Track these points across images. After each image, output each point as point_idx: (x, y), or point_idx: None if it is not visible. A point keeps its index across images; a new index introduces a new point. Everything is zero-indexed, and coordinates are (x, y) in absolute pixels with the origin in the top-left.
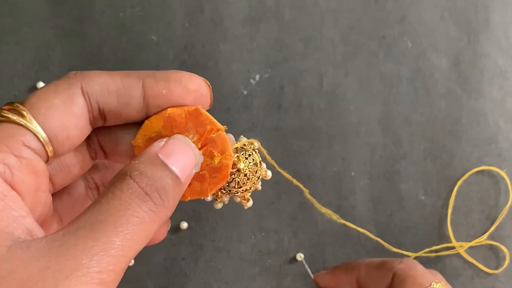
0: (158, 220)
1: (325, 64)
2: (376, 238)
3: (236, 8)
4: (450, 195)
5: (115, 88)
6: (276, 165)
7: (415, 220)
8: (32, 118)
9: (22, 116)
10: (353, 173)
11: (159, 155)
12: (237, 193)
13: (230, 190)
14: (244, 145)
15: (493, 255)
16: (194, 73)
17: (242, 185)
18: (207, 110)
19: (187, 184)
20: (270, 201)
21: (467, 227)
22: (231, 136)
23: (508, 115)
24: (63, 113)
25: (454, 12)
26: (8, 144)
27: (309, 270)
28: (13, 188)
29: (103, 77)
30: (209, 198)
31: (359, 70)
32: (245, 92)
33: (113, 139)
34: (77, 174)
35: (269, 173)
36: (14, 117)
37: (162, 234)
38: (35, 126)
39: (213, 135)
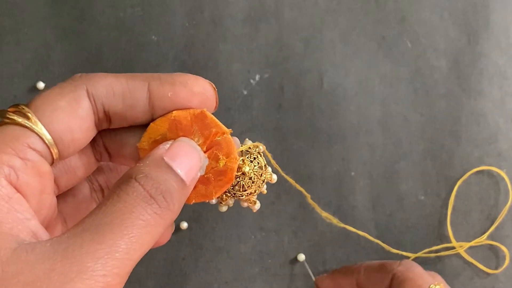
0: (163, 223)
1: (325, 64)
2: (376, 240)
3: (236, 8)
4: (450, 195)
5: (120, 91)
6: (280, 169)
7: (415, 220)
8: (37, 120)
9: (27, 118)
10: (353, 173)
11: (164, 157)
12: (242, 196)
13: (235, 193)
14: (249, 148)
15: (493, 255)
16: (194, 73)
17: (247, 188)
18: (212, 113)
19: (192, 186)
20: (270, 201)
21: (467, 227)
22: (236, 139)
23: (507, 115)
24: (68, 115)
25: (454, 13)
26: (13, 146)
27: (310, 272)
28: (18, 190)
29: (109, 80)
30: (213, 201)
31: (359, 70)
32: (245, 92)
33: (118, 141)
34: (82, 176)
35: (274, 177)
36: (20, 119)
37: (166, 236)
38: (40, 128)
39: (219, 138)
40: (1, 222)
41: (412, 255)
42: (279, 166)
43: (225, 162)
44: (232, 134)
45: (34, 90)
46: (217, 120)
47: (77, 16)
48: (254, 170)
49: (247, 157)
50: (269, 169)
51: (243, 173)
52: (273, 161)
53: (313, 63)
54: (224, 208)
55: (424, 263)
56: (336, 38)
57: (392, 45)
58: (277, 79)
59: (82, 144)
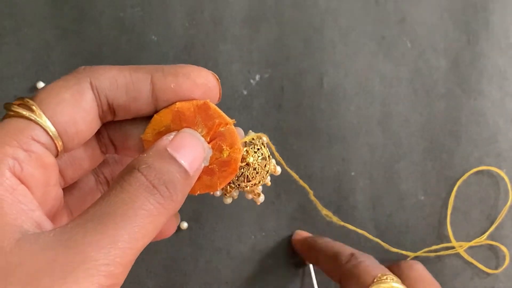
0: (166, 213)
1: (325, 64)
2: (375, 239)
3: (236, 8)
4: (450, 195)
5: (124, 83)
6: (283, 162)
7: (415, 220)
8: (41, 113)
9: (32, 111)
10: (353, 173)
11: (168, 148)
12: (247, 187)
13: (239, 185)
14: (253, 139)
15: (492, 255)
16: None
17: (251, 179)
18: (216, 104)
19: (196, 177)
20: (270, 201)
21: (467, 227)
22: (240, 130)
23: (507, 115)
24: (72, 107)
25: (454, 13)
26: (18, 139)
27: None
28: (22, 182)
29: (112, 72)
30: (218, 193)
31: (359, 70)
32: (245, 92)
33: (123, 133)
34: (88, 169)
35: (278, 169)
36: (24, 112)
37: (172, 228)
38: (44, 120)
39: (222, 129)
40: (5, 213)
41: (412, 254)
42: (280, 166)
43: (229, 153)
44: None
45: (34, 90)
46: (220, 111)
47: (77, 16)
48: (258, 160)
49: (251, 148)
50: (273, 160)
51: (247, 164)
52: (276, 153)
53: (313, 63)
54: (228, 200)
55: (424, 262)
56: (336, 38)
57: (392, 45)
58: (277, 79)
59: (87, 136)
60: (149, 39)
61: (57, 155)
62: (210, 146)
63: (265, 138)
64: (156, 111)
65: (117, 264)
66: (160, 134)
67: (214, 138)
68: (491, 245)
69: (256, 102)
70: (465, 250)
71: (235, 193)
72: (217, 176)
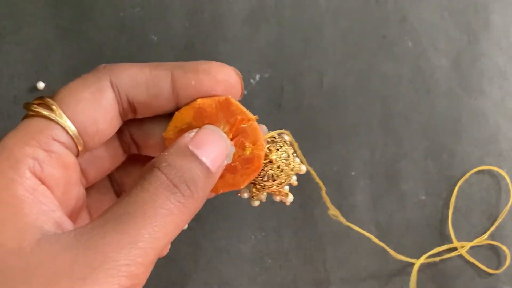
0: (188, 212)
1: (325, 64)
2: (381, 244)
3: (236, 8)
4: (451, 195)
5: (144, 80)
6: (304, 160)
7: (416, 220)
8: (61, 112)
9: (52, 110)
10: (353, 173)
11: (189, 146)
12: (272, 186)
13: (264, 185)
14: (274, 137)
15: (494, 255)
16: None
17: (276, 177)
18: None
19: (218, 175)
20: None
21: (468, 227)
22: (263, 126)
23: (508, 115)
24: (92, 106)
25: (454, 12)
26: (38, 139)
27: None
28: (42, 182)
29: (132, 70)
30: (245, 195)
31: (359, 70)
32: (245, 92)
33: (145, 131)
34: (110, 168)
35: (303, 167)
36: (44, 112)
37: (166, 248)
38: (64, 120)
39: (244, 125)
40: (25, 214)
41: (417, 262)
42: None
43: (252, 150)
44: None
45: (34, 90)
46: (242, 107)
47: (77, 16)
48: (282, 158)
49: (273, 146)
50: (297, 159)
51: (270, 161)
52: (298, 151)
53: (313, 63)
54: (256, 203)
55: (426, 264)
56: (336, 38)
57: (392, 44)
58: (277, 79)
59: (107, 135)
60: (149, 39)
61: (77, 155)
62: (232, 143)
63: (287, 137)
64: (178, 108)
65: (138, 265)
66: (182, 131)
67: (237, 135)
68: (492, 245)
69: (256, 102)
70: (466, 251)
71: (263, 196)
72: (240, 174)
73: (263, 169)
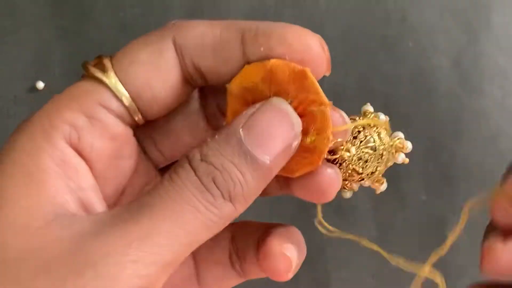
0: (220, 215)
1: None
2: (388, 256)
3: (236, 8)
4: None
5: (211, 42)
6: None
7: (417, 220)
8: (113, 74)
9: (104, 71)
10: None
11: (241, 131)
12: (362, 179)
13: (353, 178)
14: (362, 128)
15: None
16: None
17: (362, 170)
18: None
19: (273, 174)
20: (270, 201)
21: (468, 227)
22: (343, 114)
23: (508, 115)
24: (147, 69)
25: (455, 12)
26: (80, 102)
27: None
28: (79, 153)
29: (200, 28)
30: (348, 195)
31: (359, 70)
32: None
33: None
34: (190, 143)
35: (409, 145)
36: (97, 73)
37: None
38: (114, 83)
39: (315, 108)
40: (45, 189)
41: (420, 273)
42: None
43: (314, 140)
44: None
45: (34, 90)
46: (318, 86)
47: (77, 16)
48: (363, 151)
49: (361, 137)
50: (398, 136)
51: (343, 158)
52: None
53: None
54: (348, 194)
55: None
56: (336, 38)
57: (393, 44)
58: None
59: (170, 103)
60: None
61: (134, 124)
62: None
63: (383, 116)
64: (249, 62)
65: (148, 263)
66: (246, 90)
67: (303, 115)
68: None
69: None
70: (467, 249)
71: (356, 186)
72: (295, 162)
73: (341, 164)
